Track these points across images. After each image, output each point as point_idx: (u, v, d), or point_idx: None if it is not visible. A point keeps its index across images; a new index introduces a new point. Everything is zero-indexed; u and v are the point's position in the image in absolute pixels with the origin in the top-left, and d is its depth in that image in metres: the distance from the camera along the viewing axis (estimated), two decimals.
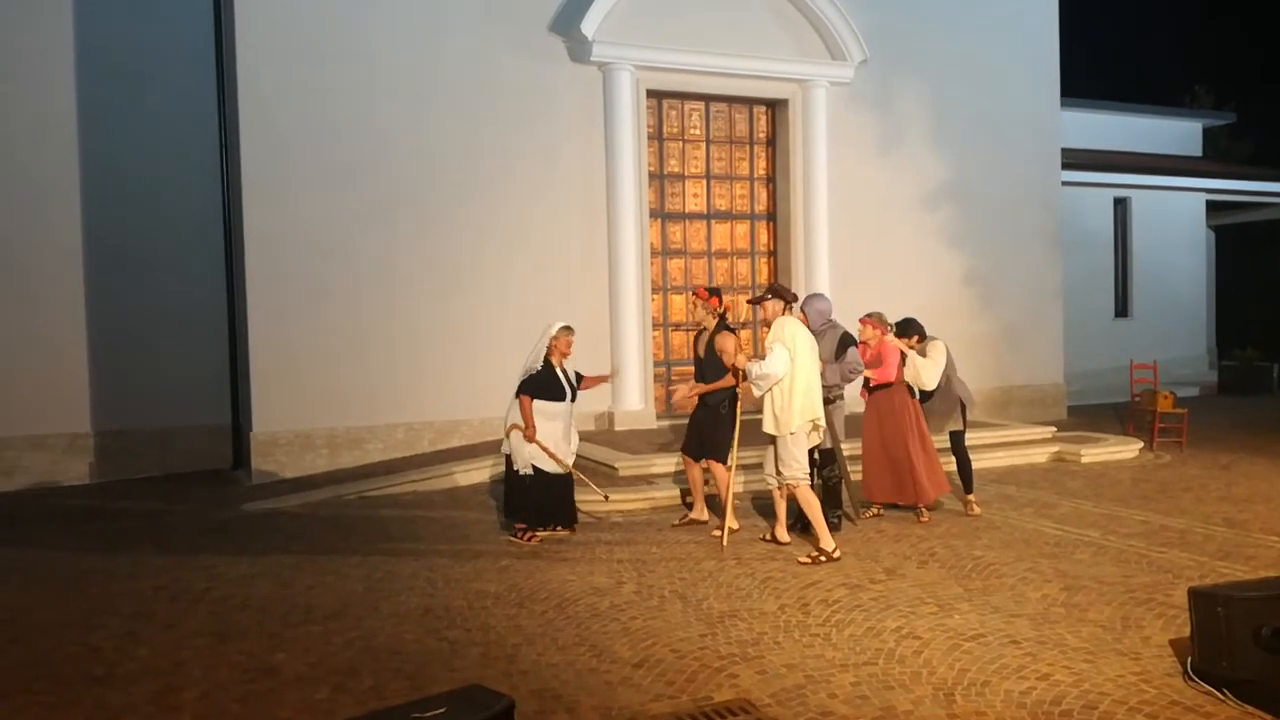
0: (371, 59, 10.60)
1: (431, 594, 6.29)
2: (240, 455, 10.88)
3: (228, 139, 11.02)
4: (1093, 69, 20.76)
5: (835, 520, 7.57)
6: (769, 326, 7.23)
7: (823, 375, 7.22)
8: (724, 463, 7.74)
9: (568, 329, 7.78)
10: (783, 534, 7.39)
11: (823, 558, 6.85)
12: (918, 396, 8.16)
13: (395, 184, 10.71)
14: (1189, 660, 4.65)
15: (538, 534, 7.64)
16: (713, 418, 7.88)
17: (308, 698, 4.69)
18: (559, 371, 7.69)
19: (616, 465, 9.50)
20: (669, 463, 9.46)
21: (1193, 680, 4.55)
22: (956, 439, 8.36)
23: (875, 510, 8.25)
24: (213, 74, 11.13)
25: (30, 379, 10.63)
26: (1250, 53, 31.25)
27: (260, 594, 6.39)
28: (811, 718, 4.35)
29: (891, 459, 7.98)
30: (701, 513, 8.12)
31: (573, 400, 7.79)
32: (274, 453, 10.20)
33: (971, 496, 8.32)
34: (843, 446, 7.87)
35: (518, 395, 7.62)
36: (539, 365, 7.61)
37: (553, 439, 7.60)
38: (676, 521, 8.14)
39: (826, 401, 7.34)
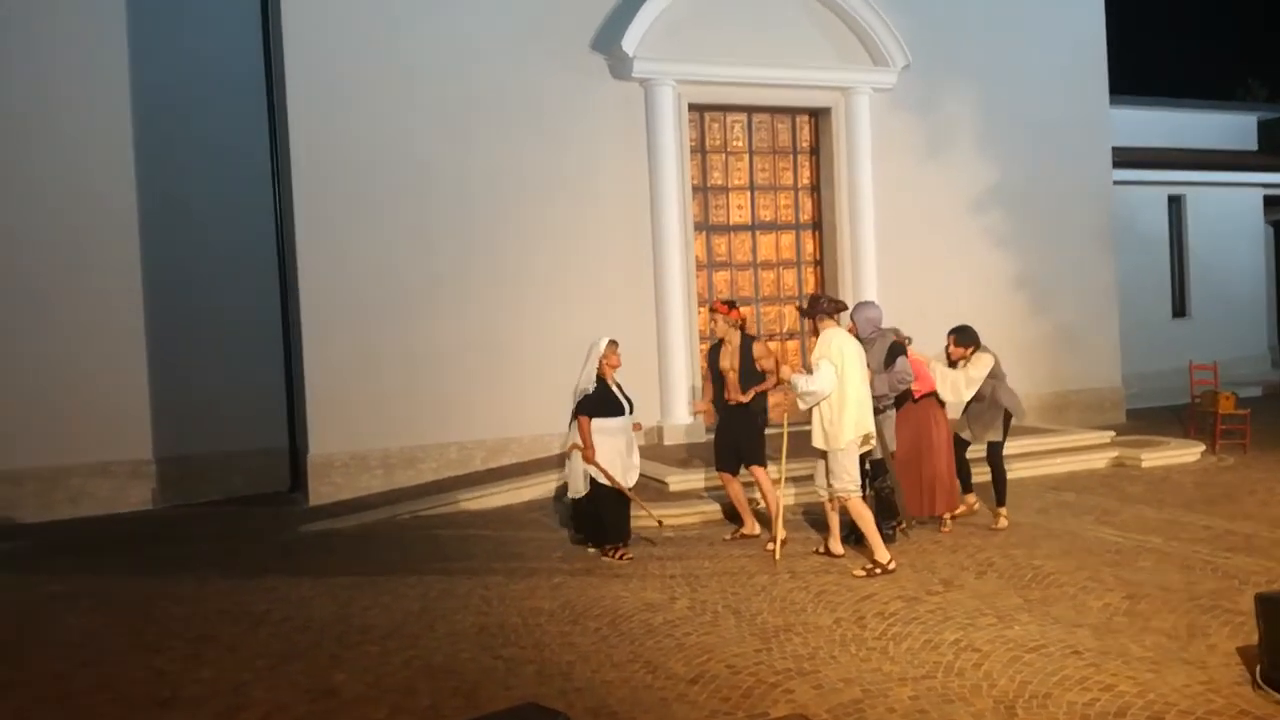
0: (415, 81, 10.76)
1: (486, 612, 6.34)
2: (297, 478, 11.06)
3: (279, 166, 11.25)
4: (1143, 64, 20.44)
5: (890, 531, 7.50)
6: (816, 335, 7.21)
7: (871, 385, 7.16)
8: (764, 465, 7.76)
9: (614, 343, 7.81)
10: (836, 546, 7.33)
11: (878, 570, 6.79)
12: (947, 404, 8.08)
13: (441, 204, 10.85)
14: (1257, 668, 4.54)
15: (626, 550, 7.62)
16: (748, 426, 7.86)
17: (367, 717, 4.75)
18: (613, 387, 7.72)
19: (667, 480, 9.50)
20: (720, 476, 9.42)
21: (1262, 688, 4.44)
22: (994, 449, 8.17)
23: (910, 524, 8.02)
24: (263, 102, 11.37)
25: (93, 407, 10.90)
26: None
27: (319, 615, 6.49)
28: None
29: (924, 471, 7.84)
30: (752, 526, 8.08)
31: (630, 413, 7.80)
32: (330, 474, 10.35)
33: (1002, 509, 8.13)
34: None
35: (574, 416, 7.65)
36: (592, 385, 7.62)
37: (616, 455, 7.62)
38: (728, 536, 8.11)
39: (876, 412, 7.27)
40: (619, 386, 7.76)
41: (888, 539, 7.27)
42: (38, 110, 10.84)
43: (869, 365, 7.18)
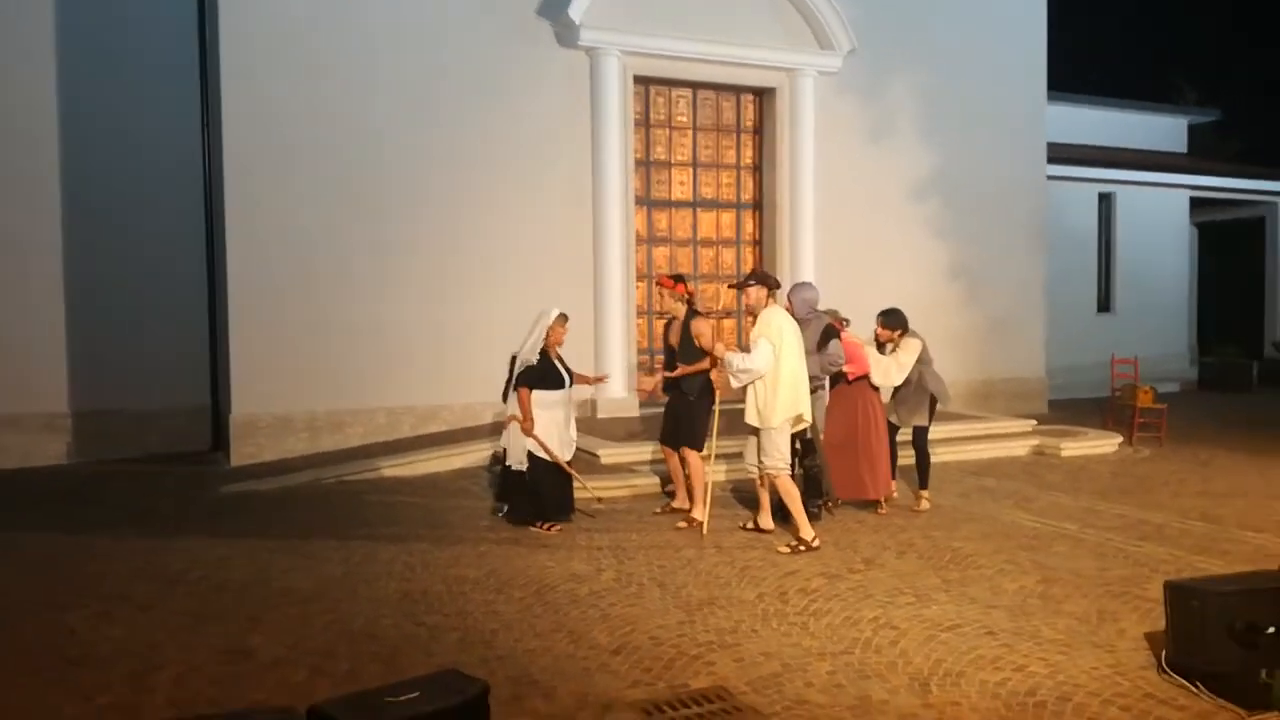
0: (360, 44, 10.50)
1: (410, 579, 6.27)
2: (219, 438, 10.82)
3: (210, 121, 10.91)
4: (1079, 63, 20.81)
5: (816, 510, 7.59)
6: (753, 313, 7.22)
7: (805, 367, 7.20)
8: (699, 450, 7.75)
9: (563, 317, 7.73)
10: (766, 522, 7.40)
11: (802, 547, 6.86)
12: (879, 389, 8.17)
13: (375, 168, 10.63)
14: (1163, 653, 4.68)
15: (556, 524, 7.57)
16: (686, 405, 7.86)
17: (284, 680, 4.67)
18: (555, 360, 7.67)
19: (598, 453, 9.49)
20: (650, 451, 9.46)
21: (1167, 673, 4.57)
22: (920, 433, 8.25)
23: (834, 503, 8.09)
24: (195, 54, 11.02)
25: (6, 358, 10.52)
26: (1236, 50, 31.39)
27: (238, 576, 6.36)
28: (787, 706, 4.36)
29: (858, 453, 7.89)
30: (684, 501, 8.11)
31: (570, 386, 7.76)
32: (253, 435, 10.14)
33: (924, 492, 8.25)
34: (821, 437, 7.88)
35: (515, 388, 7.55)
36: (535, 357, 7.53)
37: (555, 428, 7.59)
38: (658, 510, 8.14)
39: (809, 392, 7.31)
40: (560, 359, 7.72)
41: (813, 517, 7.36)
42: None
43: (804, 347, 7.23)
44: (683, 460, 7.99)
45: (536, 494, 7.63)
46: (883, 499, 8.09)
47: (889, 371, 8.02)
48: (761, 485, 7.36)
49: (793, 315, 7.35)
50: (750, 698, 4.44)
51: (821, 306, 7.98)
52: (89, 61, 10.82)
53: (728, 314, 12.84)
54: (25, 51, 10.60)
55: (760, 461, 7.16)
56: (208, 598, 5.93)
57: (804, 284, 8.16)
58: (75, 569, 6.59)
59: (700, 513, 7.57)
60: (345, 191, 10.50)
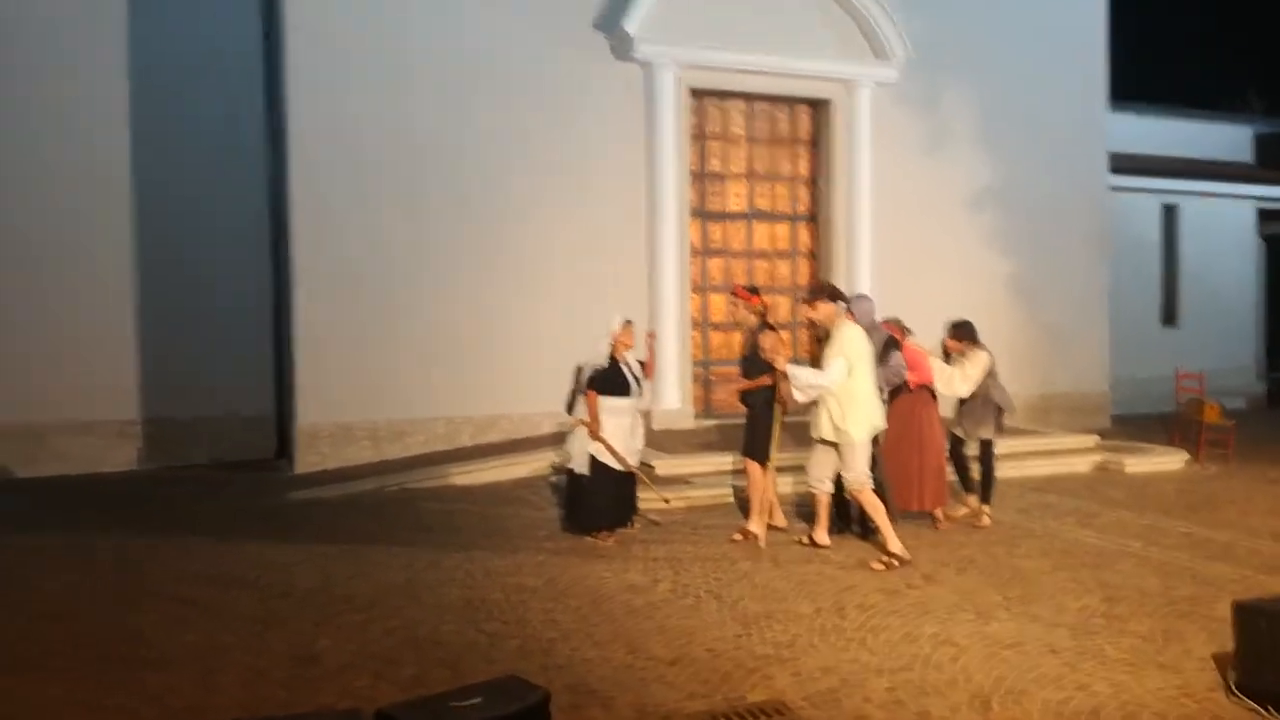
0: (416, 56, 10.71)
1: (471, 586, 6.36)
2: (284, 445, 11.05)
3: (276, 134, 11.19)
4: (1143, 72, 20.48)
5: (872, 526, 7.52)
6: (813, 326, 7.20)
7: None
8: (760, 462, 7.73)
9: (628, 322, 7.83)
10: (823, 537, 7.36)
11: (895, 562, 6.80)
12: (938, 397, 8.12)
13: (438, 180, 10.82)
14: (1232, 675, 4.59)
15: (612, 534, 7.61)
16: (750, 417, 7.87)
17: (349, 685, 4.77)
18: (624, 366, 7.70)
19: (654, 464, 9.51)
20: (706, 463, 9.47)
21: (1235, 695, 4.49)
22: (986, 447, 8.17)
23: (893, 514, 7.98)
24: (260, 69, 11.31)
25: (79, 367, 10.85)
26: None
27: (302, 582, 6.50)
28: None
29: (913, 464, 7.82)
30: (777, 517, 7.99)
31: (639, 394, 7.80)
32: (317, 444, 10.35)
33: (986, 508, 8.12)
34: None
35: (584, 391, 7.64)
36: (605, 362, 7.63)
37: (620, 435, 7.63)
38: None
39: None
40: (629, 367, 7.75)
41: (869, 533, 7.33)
42: (35, 77, 10.76)
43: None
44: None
45: (595, 501, 7.65)
46: (939, 513, 8.01)
47: (953, 380, 7.97)
48: (822, 500, 7.33)
49: None
50: (808, 712, 4.44)
51: (879, 317, 7.95)
52: (160, 70, 11.15)
53: (784, 325, 12.80)
54: (98, 61, 10.95)
55: (843, 477, 7.15)
56: (273, 603, 6.07)
57: (862, 296, 8.18)
58: (144, 573, 6.78)
59: (757, 525, 7.56)
60: (408, 203, 10.70)
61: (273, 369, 11.34)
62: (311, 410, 10.34)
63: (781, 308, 12.75)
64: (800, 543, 7.44)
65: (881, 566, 6.80)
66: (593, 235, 11.39)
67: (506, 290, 11.06)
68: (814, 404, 7.13)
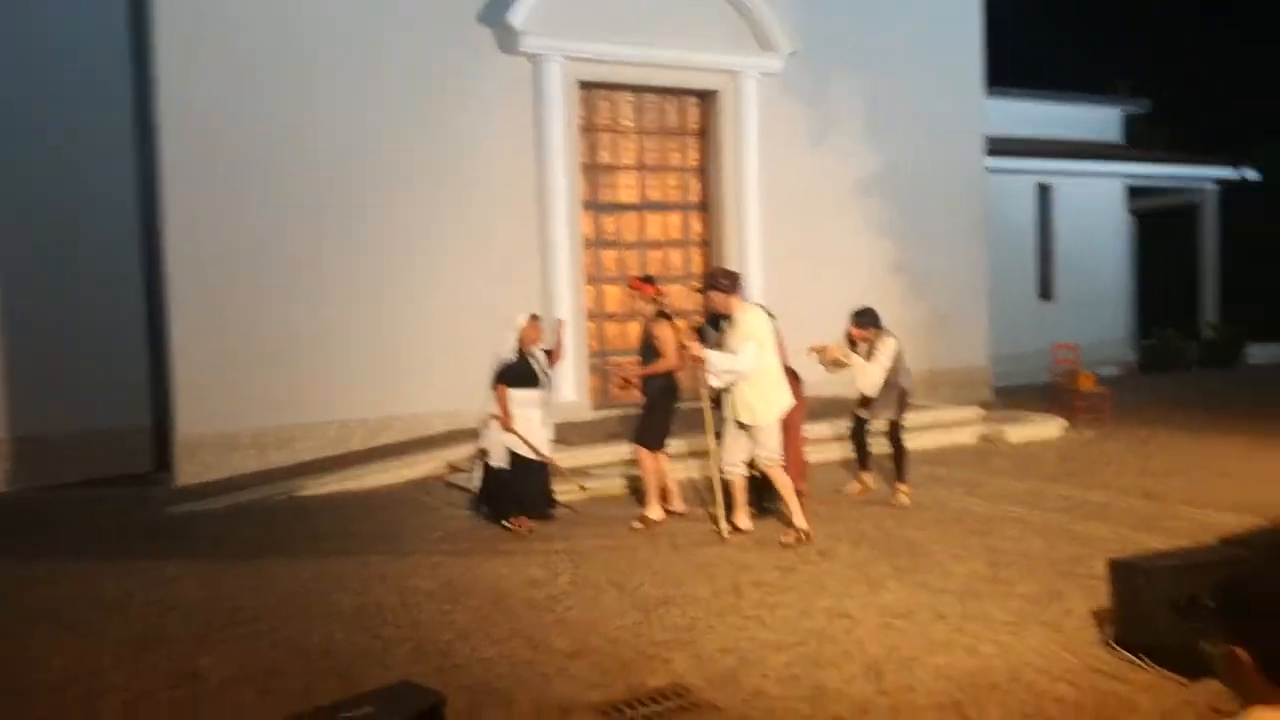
0: (297, 53, 10.38)
1: (363, 593, 6.20)
2: (164, 458, 10.59)
3: (145, 130, 10.70)
4: (1015, 57, 21.18)
5: (768, 507, 7.61)
6: (721, 314, 7.25)
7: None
8: (650, 449, 7.76)
9: (535, 316, 7.93)
10: (744, 521, 7.35)
11: (804, 536, 6.93)
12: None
13: (322, 178, 10.51)
14: (1110, 629, 4.78)
15: (528, 521, 7.68)
16: (644, 406, 7.91)
17: (235, 701, 4.60)
18: (531, 360, 7.78)
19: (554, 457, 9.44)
20: (605, 454, 9.45)
21: (1114, 648, 4.67)
22: (894, 428, 8.25)
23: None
24: (128, 64, 10.78)
25: None
26: (1167, 40, 32.13)
27: (186, 598, 6.24)
28: (745, 699, 4.39)
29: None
30: (677, 503, 8.02)
31: (547, 387, 7.90)
32: (199, 454, 9.96)
33: (903, 486, 8.18)
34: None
35: (494, 386, 7.73)
36: (513, 356, 7.70)
37: (530, 427, 7.71)
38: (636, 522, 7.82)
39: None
40: (537, 360, 7.84)
41: (765, 513, 7.44)
42: None
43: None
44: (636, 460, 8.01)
45: (516, 489, 7.73)
46: (804, 487, 7.92)
47: (873, 377, 8.06)
48: (741, 485, 7.34)
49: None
50: (708, 693, 4.46)
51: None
52: (13, 73, 10.54)
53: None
54: None
55: (756, 455, 7.20)
56: (155, 621, 5.81)
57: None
58: (17, 597, 6.42)
59: (654, 511, 7.58)
60: (287, 201, 10.36)
61: (148, 378, 10.85)
62: (191, 419, 9.94)
63: (677, 295, 12.81)
64: (718, 529, 7.29)
65: (791, 540, 6.91)
66: (483, 231, 11.24)
67: (396, 289, 10.82)
68: (716, 390, 7.16)
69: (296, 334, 10.35)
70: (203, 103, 9.97)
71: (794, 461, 7.86)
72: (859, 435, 8.52)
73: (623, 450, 9.36)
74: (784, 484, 7.17)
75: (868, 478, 8.52)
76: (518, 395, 7.67)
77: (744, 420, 7.16)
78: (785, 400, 7.21)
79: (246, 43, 10.16)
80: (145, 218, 10.86)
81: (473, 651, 5.11)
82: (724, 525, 7.28)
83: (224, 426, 10.04)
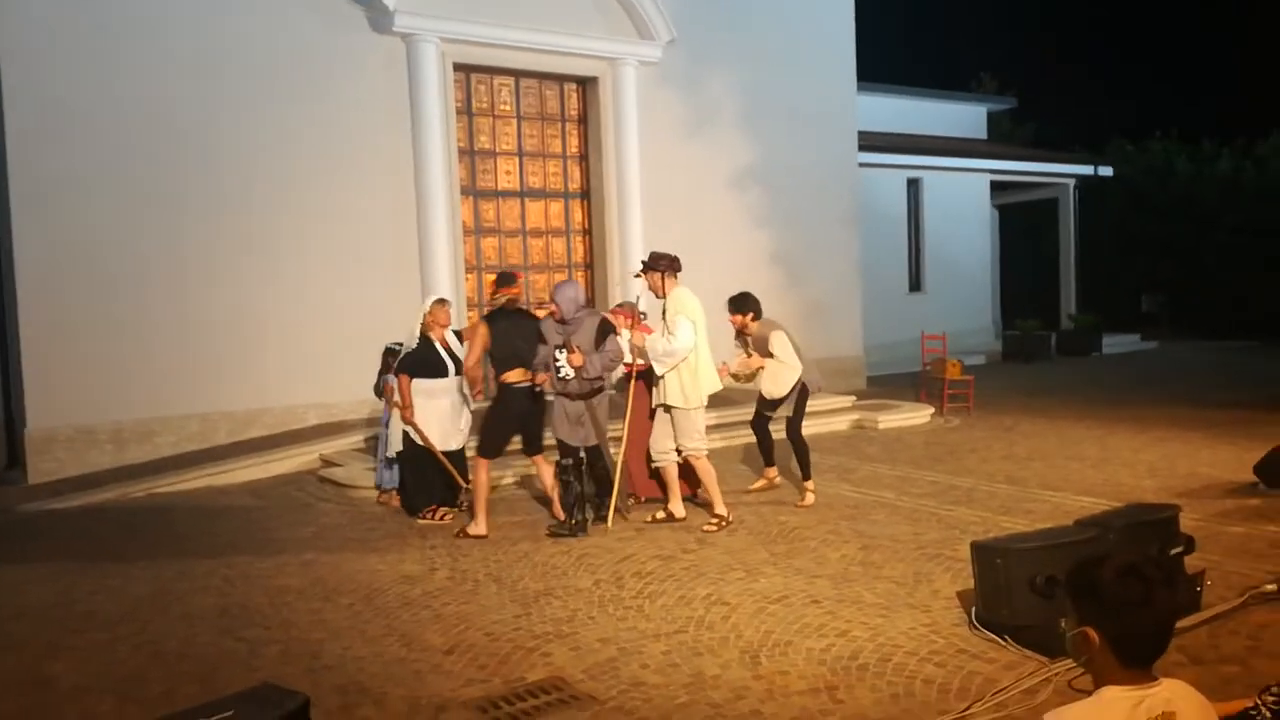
0: (153, 25, 9.86)
1: (228, 593, 5.96)
2: (14, 453, 9.97)
3: None
4: (885, 56, 21.83)
5: (606, 511, 7.23)
6: (659, 297, 7.19)
7: (583, 368, 6.89)
8: (480, 456, 7.20)
9: (442, 301, 7.66)
10: (679, 508, 7.31)
11: (725, 523, 7.00)
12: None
13: (182, 162, 10.02)
14: (974, 610, 4.95)
15: (449, 510, 7.60)
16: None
17: (89, 710, 4.36)
18: (439, 347, 7.49)
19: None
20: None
21: (977, 628, 4.84)
22: (792, 425, 7.85)
23: (642, 500, 7.85)
24: None
25: None
26: (1031, 39, 33.58)
27: (35, 601, 5.89)
28: (623, 690, 4.38)
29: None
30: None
31: (458, 374, 7.59)
32: (52, 450, 9.40)
33: (809, 484, 7.76)
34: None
35: (396, 374, 7.50)
36: (415, 341, 7.45)
37: (436, 417, 7.49)
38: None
39: (590, 394, 7.09)
40: (447, 347, 7.55)
41: (603, 519, 7.18)
42: None
43: (579, 346, 6.89)
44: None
45: (423, 480, 7.59)
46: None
47: (784, 381, 7.75)
48: (671, 472, 7.26)
49: (558, 317, 6.97)
50: (587, 685, 4.44)
51: (619, 300, 7.92)
52: None
53: (540, 305, 12.78)
54: None
55: (680, 444, 7.12)
56: (1, 626, 5.46)
57: (566, 283, 7.28)
58: None
59: (477, 527, 7.11)
60: (146, 187, 9.84)
61: None
62: (43, 413, 9.38)
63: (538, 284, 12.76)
64: (654, 520, 7.25)
65: (713, 527, 6.97)
66: (358, 215, 10.92)
67: (263, 278, 10.42)
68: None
69: (155, 326, 9.86)
70: (47, 81, 9.38)
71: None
72: (761, 428, 8.13)
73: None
74: (707, 472, 7.13)
75: (772, 473, 8.26)
76: (422, 385, 7.42)
77: (674, 404, 7.08)
78: (714, 383, 7.18)
79: (93, 12, 9.58)
80: None
81: (345, 651, 4.97)
82: (661, 514, 7.27)
83: (79, 420, 9.51)
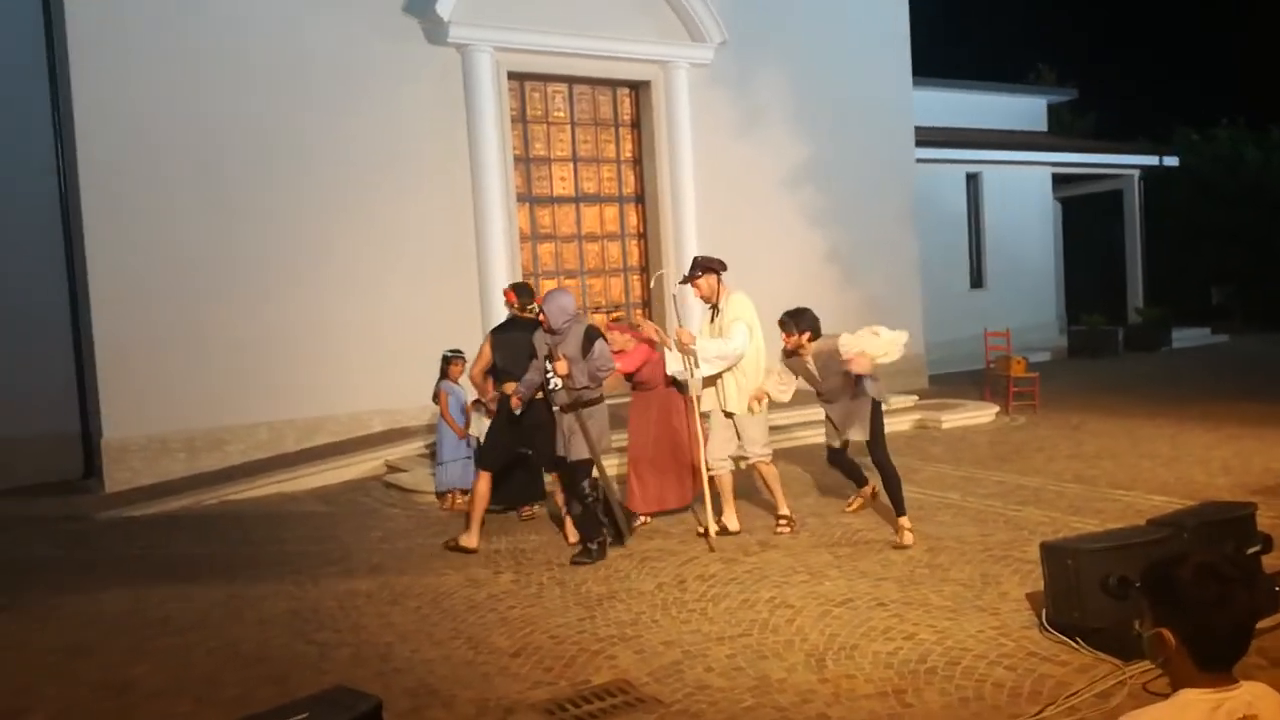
0: (219, 44, 10.10)
1: (299, 597, 6.08)
2: (91, 464, 10.29)
3: (63, 125, 10.35)
4: (943, 48, 21.59)
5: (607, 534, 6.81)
6: (708, 302, 7.05)
7: (571, 377, 6.63)
8: (479, 468, 7.24)
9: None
10: (733, 521, 7.06)
11: (792, 522, 6.99)
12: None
13: (246, 175, 10.26)
14: (1044, 612, 4.86)
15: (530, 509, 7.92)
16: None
17: (168, 711, 4.48)
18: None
19: None
20: None
21: (1048, 631, 4.76)
22: (873, 450, 6.81)
23: (644, 520, 7.47)
24: (43, 53, 10.41)
25: None
26: (1091, 30, 32.92)
27: (115, 607, 6.07)
28: (688, 693, 4.39)
29: (664, 462, 7.46)
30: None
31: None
32: (127, 459, 9.68)
33: (904, 520, 6.61)
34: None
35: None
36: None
37: None
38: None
39: (581, 404, 6.67)
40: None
41: (600, 544, 6.65)
42: None
43: (565, 355, 6.61)
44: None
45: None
46: (696, 514, 7.35)
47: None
48: (727, 482, 7.08)
49: (548, 327, 6.69)
50: (652, 688, 4.45)
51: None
52: None
53: (617, 306, 12.84)
54: None
55: (744, 450, 7.04)
56: (83, 632, 5.64)
57: (556, 291, 6.96)
58: None
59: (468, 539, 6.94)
60: (214, 200, 10.09)
61: (75, 381, 10.52)
62: (119, 423, 9.66)
63: (614, 289, 12.81)
64: (703, 534, 6.85)
65: (785, 529, 6.96)
66: (417, 224, 11.07)
67: (327, 287, 10.61)
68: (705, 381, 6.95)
69: (224, 336, 10.09)
70: (121, 96, 9.66)
71: (683, 478, 7.54)
72: (840, 459, 7.30)
73: None
74: (774, 476, 7.09)
75: (868, 490, 7.52)
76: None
77: (731, 410, 6.96)
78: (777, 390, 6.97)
79: (165, 40, 9.84)
80: (65, 217, 10.52)
81: (413, 653, 5.04)
82: (712, 525, 6.80)
83: (153, 430, 9.77)
